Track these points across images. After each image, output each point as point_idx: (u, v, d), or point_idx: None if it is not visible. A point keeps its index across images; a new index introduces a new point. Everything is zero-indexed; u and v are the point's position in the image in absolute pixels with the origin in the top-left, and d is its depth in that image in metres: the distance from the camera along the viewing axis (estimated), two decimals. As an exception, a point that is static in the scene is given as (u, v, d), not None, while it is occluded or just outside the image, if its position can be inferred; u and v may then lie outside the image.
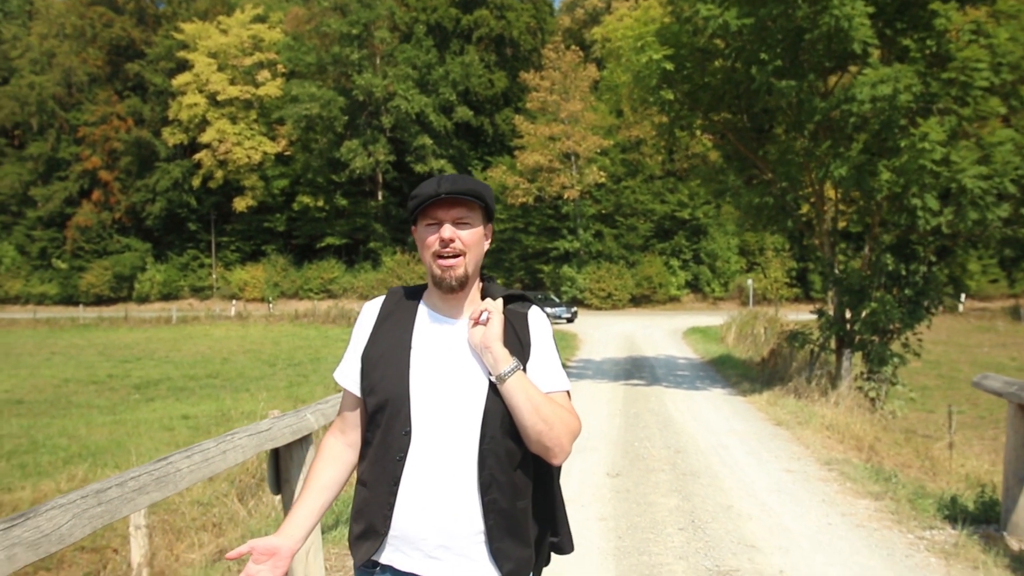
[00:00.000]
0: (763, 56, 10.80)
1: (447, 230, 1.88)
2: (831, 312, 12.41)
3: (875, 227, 11.92)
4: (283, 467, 4.24)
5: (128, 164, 56.46)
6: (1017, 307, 40.21)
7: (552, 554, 2.10)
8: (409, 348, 1.94)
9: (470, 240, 1.91)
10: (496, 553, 1.86)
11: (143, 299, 55.17)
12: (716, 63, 12.33)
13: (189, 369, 24.85)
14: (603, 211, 49.96)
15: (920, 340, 12.35)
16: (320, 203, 52.95)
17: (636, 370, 16.22)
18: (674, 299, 49.26)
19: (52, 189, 57.35)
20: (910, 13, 10.69)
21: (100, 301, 54.65)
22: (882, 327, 11.48)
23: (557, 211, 49.09)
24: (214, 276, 56.62)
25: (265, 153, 53.22)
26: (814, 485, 6.67)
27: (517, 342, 1.94)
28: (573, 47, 50.14)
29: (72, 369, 25.37)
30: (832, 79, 12.02)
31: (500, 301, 1.97)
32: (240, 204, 53.63)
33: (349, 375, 2.01)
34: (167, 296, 55.57)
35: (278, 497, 5.13)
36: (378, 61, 52.73)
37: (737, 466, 7.37)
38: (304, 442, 4.28)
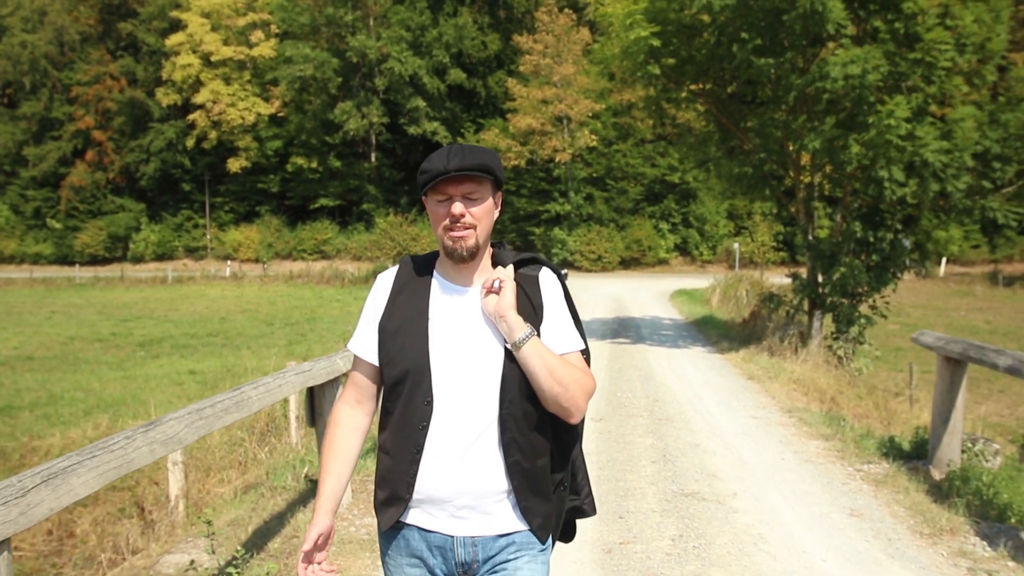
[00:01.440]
0: (744, 35, 11.52)
1: (457, 206, 1.91)
2: (804, 276, 13.25)
3: (846, 196, 12.72)
4: (317, 403, 5.05)
5: (122, 124, 56.53)
6: (996, 272, 41.17)
7: (575, 523, 2.21)
8: (427, 319, 1.98)
9: (480, 213, 1.94)
10: (525, 511, 1.96)
11: (138, 259, 55.60)
12: (701, 38, 12.99)
13: (189, 328, 25.46)
14: (594, 174, 50.49)
15: (887, 303, 13.20)
16: (314, 164, 53.22)
17: (623, 329, 17.07)
18: (663, 262, 50.01)
19: (45, 149, 57.43)
20: (879, -3, 11.40)
21: (95, 261, 55.08)
22: (851, 290, 12.33)
23: (549, 174, 49.60)
24: (208, 237, 57.02)
25: (259, 114, 53.37)
26: (774, 429, 7.54)
27: (530, 306, 1.99)
28: (566, 10, 50.29)
29: (75, 327, 25.92)
30: (811, 53, 12.68)
31: (511, 268, 2.02)
32: (234, 165, 53.86)
33: (365, 345, 2.05)
34: (161, 256, 56.00)
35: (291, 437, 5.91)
36: (372, 23, 52.77)
37: (708, 413, 8.24)
38: (335, 383, 5.08)
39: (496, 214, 2.01)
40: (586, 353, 2.08)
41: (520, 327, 1.90)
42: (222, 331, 24.60)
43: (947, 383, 6.09)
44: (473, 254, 1.96)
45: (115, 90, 56.50)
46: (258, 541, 4.62)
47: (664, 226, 50.38)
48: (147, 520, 7.30)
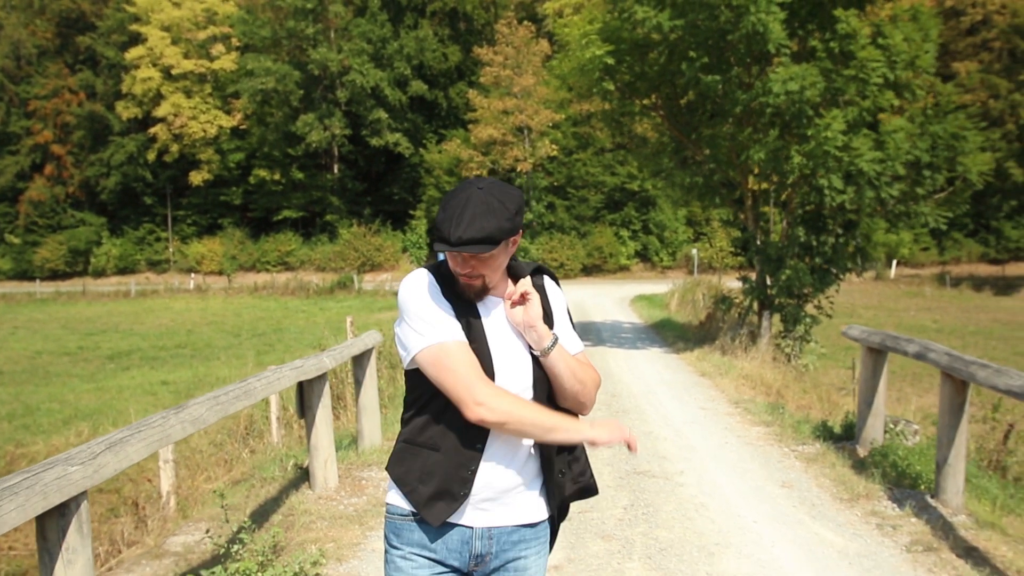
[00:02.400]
0: (692, 54, 12.29)
1: (465, 268, 1.97)
2: (754, 279, 14.04)
3: (791, 203, 13.54)
4: (307, 397, 5.61)
5: (81, 138, 56.24)
6: (943, 274, 42.65)
7: (568, 506, 2.29)
8: (484, 327, 2.03)
9: (489, 265, 1.98)
10: (548, 493, 2.12)
11: (99, 273, 55.22)
12: (653, 55, 13.74)
13: (156, 340, 25.60)
14: (555, 183, 51.30)
15: (831, 303, 14.02)
16: (276, 176, 53.36)
17: (584, 334, 17.75)
18: (624, 268, 50.92)
19: (3, 163, 56.84)
20: (819, 17, 12.24)
21: (55, 276, 54.57)
22: (796, 291, 13.13)
23: (510, 184, 50.24)
24: (171, 250, 56.85)
25: (221, 127, 53.43)
26: (721, 418, 8.24)
27: (545, 313, 2.08)
28: (526, 22, 51.12)
29: (40, 342, 25.93)
30: (755, 70, 13.48)
31: (528, 279, 2.09)
32: (196, 178, 53.83)
33: (453, 327, 2.00)
34: (123, 270, 55.66)
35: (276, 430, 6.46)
36: (333, 35, 53.17)
37: (661, 405, 8.92)
38: (322, 379, 5.65)
39: (513, 250, 2.04)
40: None
41: (548, 335, 2.03)
42: (190, 343, 24.81)
43: (870, 370, 6.82)
44: (481, 295, 2.03)
45: (74, 104, 56.22)
46: (259, 518, 5.17)
47: (625, 233, 51.29)
48: (140, 516, 7.76)
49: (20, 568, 7.87)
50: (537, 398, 2.03)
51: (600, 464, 6.32)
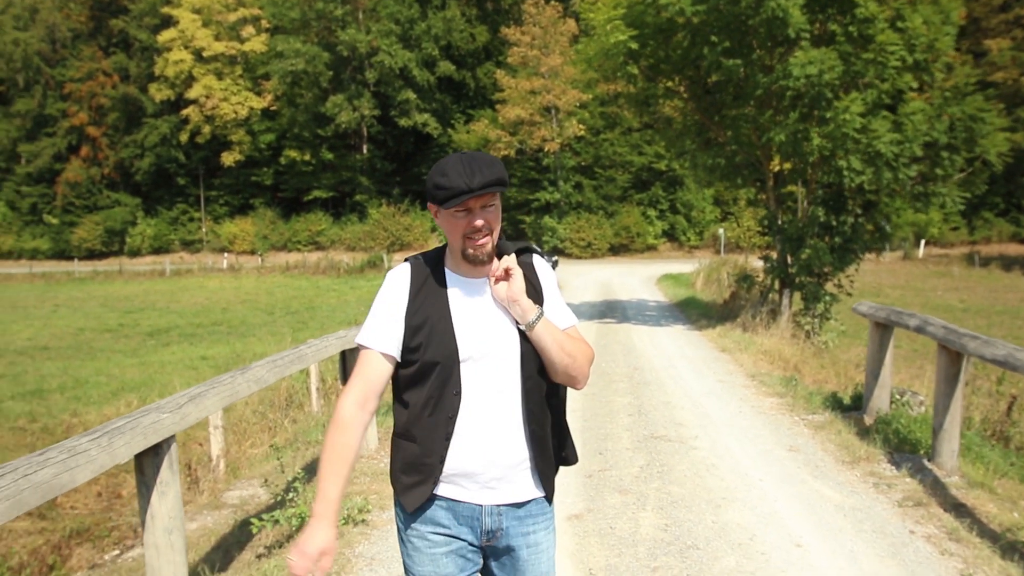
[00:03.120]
0: (714, 38, 12.59)
1: (479, 219, 2.04)
2: (775, 257, 14.37)
3: (812, 184, 13.83)
4: (349, 365, 6.13)
5: (115, 120, 57.26)
6: (972, 254, 42.40)
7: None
8: (450, 313, 2.09)
9: (495, 219, 2.08)
10: (541, 476, 2.15)
11: (135, 253, 56.41)
12: (676, 39, 14.04)
13: (193, 318, 26.27)
14: (583, 163, 51.48)
15: (852, 281, 14.32)
16: (306, 157, 54.05)
17: (610, 311, 18.18)
18: (651, 248, 51.06)
19: (40, 145, 58.14)
20: (838, 1, 12.47)
21: (92, 255, 55.81)
22: (816, 270, 13.46)
23: (538, 163, 50.59)
24: (204, 230, 57.86)
25: (251, 108, 54.18)
26: (737, 390, 8.67)
27: (532, 289, 2.14)
28: (552, 2, 51.17)
29: (82, 319, 26.68)
30: (777, 53, 13.73)
31: (514, 256, 2.15)
32: (228, 159, 54.68)
33: (384, 339, 2.10)
34: (158, 250, 56.82)
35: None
36: (361, 16, 53.57)
37: (681, 378, 9.36)
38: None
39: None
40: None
41: (532, 309, 2.08)
42: (225, 320, 25.41)
43: (877, 344, 7.20)
44: (491, 257, 2.11)
45: (108, 86, 57.18)
46: (308, 474, 5.70)
47: (652, 213, 51.40)
48: (193, 477, 8.35)
49: (84, 524, 8.47)
50: (526, 372, 2.09)
51: (620, 430, 6.79)
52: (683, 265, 37.21)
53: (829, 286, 13.95)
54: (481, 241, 2.06)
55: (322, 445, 2.12)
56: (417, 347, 2.07)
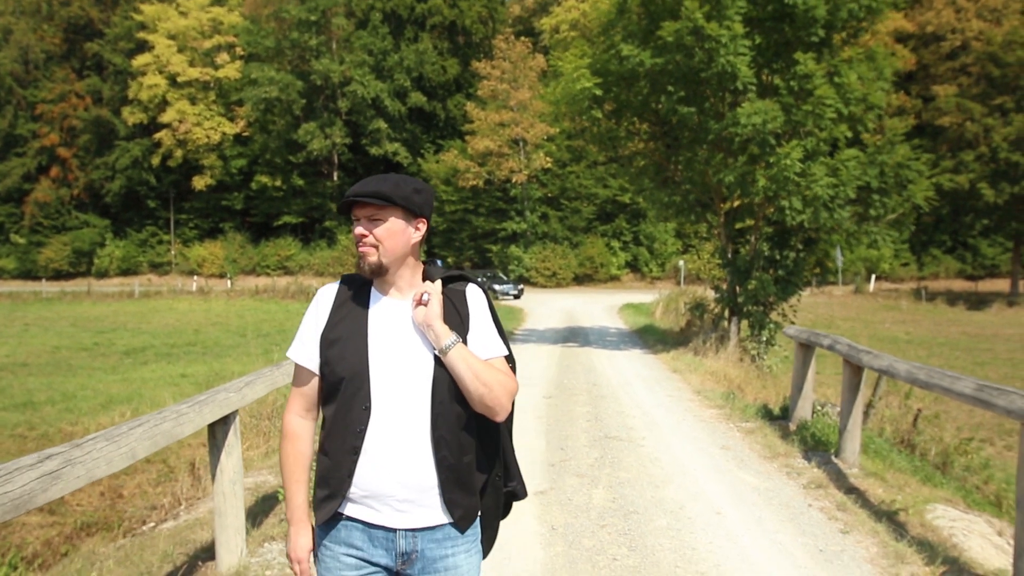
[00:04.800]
0: (670, 88, 13.90)
1: (359, 228, 2.12)
2: (724, 288, 15.63)
3: (758, 221, 15.14)
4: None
5: (87, 142, 57.78)
6: (920, 289, 44.33)
7: (512, 503, 2.40)
8: (366, 330, 2.13)
9: (382, 234, 2.10)
10: (448, 503, 2.12)
11: (102, 274, 56.65)
12: (637, 86, 15.33)
13: (166, 339, 26.64)
14: (549, 194, 52.93)
15: (795, 310, 15.60)
16: (277, 183, 54.95)
17: (572, 336, 19.32)
18: (615, 278, 52.44)
19: (10, 165, 58.40)
20: (782, 58, 13.86)
21: (59, 275, 56.03)
22: (761, 300, 14.71)
23: (506, 194, 51.90)
24: (173, 252, 58.32)
25: (224, 134, 55.07)
26: (683, 403, 9.81)
27: (457, 317, 2.16)
28: (523, 38, 52.80)
29: (55, 338, 26.89)
30: (728, 99, 15.06)
31: (439, 283, 2.18)
32: (199, 183, 55.38)
33: (307, 354, 2.19)
34: (126, 271, 57.11)
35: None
36: (335, 46, 54.84)
37: (635, 393, 10.48)
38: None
39: (414, 237, 2.17)
40: (511, 360, 2.27)
41: (446, 334, 2.08)
42: (198, 341, 25.86)
43: (801, 361, 8.38)
44: (376, 271, 2.14)
45: (80, 108, 57.76)
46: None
47: (616, 244, 52.86)
48: (196, 475, 9.24)
49: (92, 518, 9.29)
50: (437, 397, 2.10)
51: (579, 432, 7.88)
52: (644, 295, 38.48)
53: (774, 315, 15.21)
54: (363, 250, 2.13)
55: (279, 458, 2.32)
56: (330, 361, 2.13)
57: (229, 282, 50.84)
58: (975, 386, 4.66)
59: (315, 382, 2.20)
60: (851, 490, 6.05)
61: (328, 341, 2.14)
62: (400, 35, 56.37)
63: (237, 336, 27.36)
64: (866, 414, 9.18)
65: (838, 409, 8.64)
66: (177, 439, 3.68)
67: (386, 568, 2.16)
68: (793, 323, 15.63)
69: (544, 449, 7.25)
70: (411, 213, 2.15)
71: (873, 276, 47.93)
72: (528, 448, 7.17)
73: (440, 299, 2.14)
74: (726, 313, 15.90)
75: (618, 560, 4.54)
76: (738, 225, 16.40)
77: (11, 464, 2.59)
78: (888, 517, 5.35)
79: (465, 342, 2.14)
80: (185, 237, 58.45)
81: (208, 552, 4.65)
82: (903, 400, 9.34)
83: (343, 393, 2.10)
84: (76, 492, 10.14)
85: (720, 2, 13.01)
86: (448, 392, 2.10)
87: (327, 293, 2.24)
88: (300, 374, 2.23)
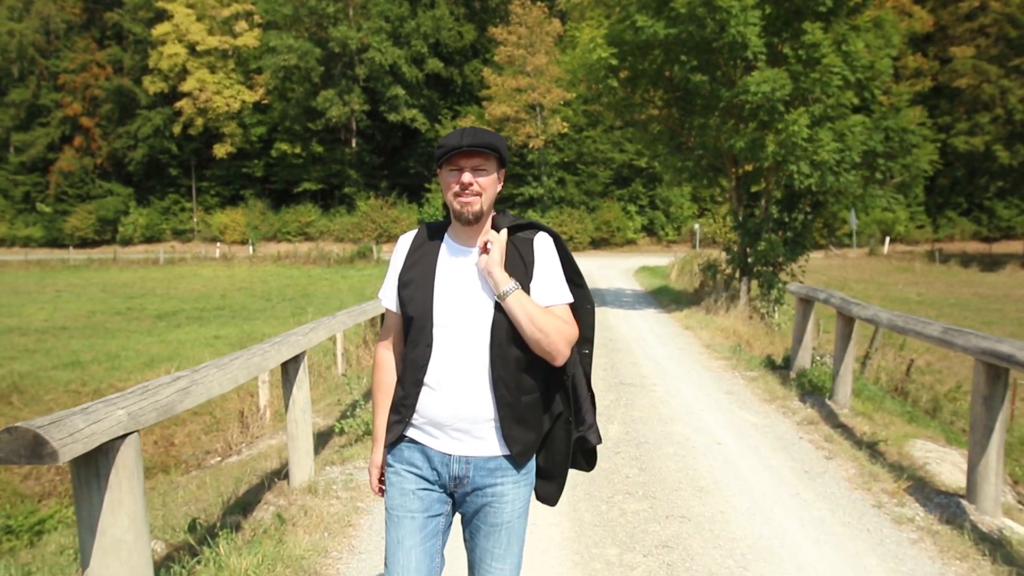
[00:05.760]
0: (683, 57, 14.45)
1: (466, 176, 2.24)
2: (736, 249, 16.28)
3: (768, 185, 15.74)
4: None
5: (109, 111, 58.50)
6: (934, 251, 44.61)
7: (594, 454, 2.55)
8: (434, 275, 2.32)
9: (485, 183, 2.28)
10: (507, 438, 2.30)
11: (126, 241, 57.68)
12: (651, 55, 15.87)
13: (195, 303, 27.42)
14: (566, 159, 53.31)
15: (803, 270, 16.24)
16: (297, 150, 55.51)
17: (589, 298, 20.00)
18: (631, 242, 52.92)
19: (34, 135, 59.31)
20: (790, 28, 14.37)
21: (84, 243, 57.08)
22: (770, 260, 15.36)
23: (523, 159, 52.31)
24: (195, 219, 59.21)
25: (244, 102, 55.58)
26: (692, 355, 10.55)
27: (521, 264, 2.29)
28: (539, 3, 52.84)
29: (88, 304, 27.69)
30: (740, 68, 15.60)
31: (504, 232, 2.32)
32: (219, 150, 56.04)
33: (389, 296, 2.44)
34: (150, 239, 58.09)
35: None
36: (352, 13, 55.09)
37: (648, 347, 11.23)
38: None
39: (499, 187, 2.36)
40: (591, 305, 2.45)
41: (505, 281, 2.21)
42: (226, 305, 26.60)
43: (801, 315, 9.08)
44: (478, 217, 2.29)
45: (102, 78, 58.41)
46: (365, 400, 7.47)
47: (632, 208, 53.23)
48: (244, 423, 10.07)
49: (152, 462, 10.12)
50: (495, 339, 2.25)
51: (596, 380, 8.63)
52: (660, 258, 39.03)
53: (783, 275, 15.85)
54: (468, 199, 2.27)
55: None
56: (403, 301, 2.36)
57: (252, 248, 51.72)
58: (941, 329, 5.36)
59: (398, 320, 2.44)
60: (839, 426, 6.77)
61: (402, 283, 2.36)
62: (417, 1, 56.47)
63: (263, 300, 27.99)
64: (863, 364, 9.91)
65: (836, 359, 9.35)
66: (265, 371, 4.46)
67: (441, 487, 2.37)
68: (801, 282, 16.31)
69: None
70: (501, 165, 2.37)
71: (888, 238, 48.20)
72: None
73: (503, 247, 2.28)
74: (737, 273, 16.55)
75: (630, 478, 5.31)
76: (753, 188, 16.98)
77: (155, 381, 3.35)
78: (869, 447, 6.08)
79: (528, 289, 2.27)
80: (207, 204, 59.29)
81: (276, 475, 5.44)
82: (898, 351, 10.02)
83: (413, 331, 2.32)
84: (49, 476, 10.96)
85: (731, -26, 13.53)
86: (507, 335, 2.25)
87: (405, 240, 2.45)
88: (388, 314, 2.50)
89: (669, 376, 9.00)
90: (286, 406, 5.03)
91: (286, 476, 5.21)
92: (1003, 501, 5.05)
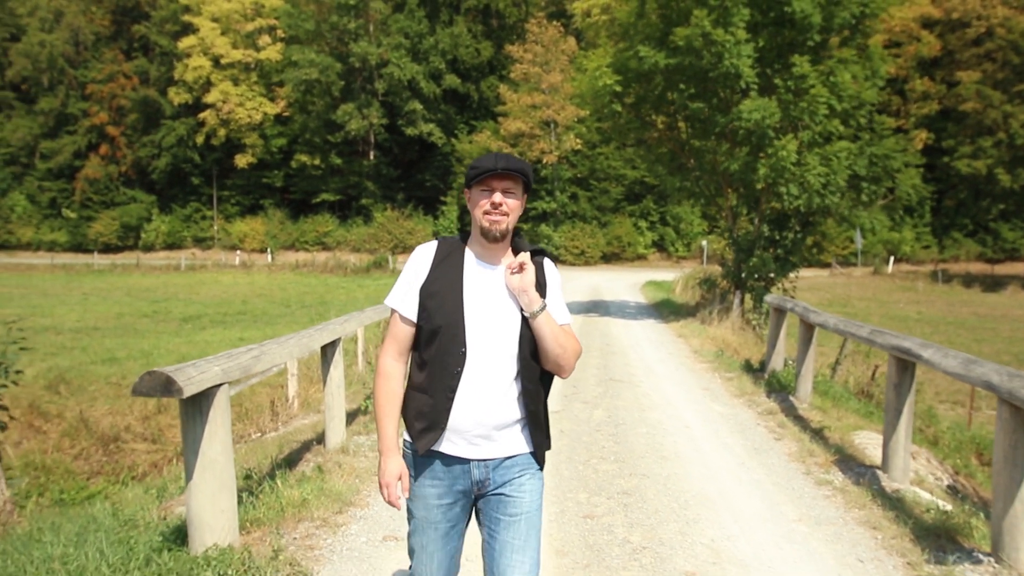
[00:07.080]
0: (682, 86, 15.60)
1: (497, 196, 2.41)
2: (730, 265, 17.36)
3: (761, 205, 16.82)
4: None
5: (134, 121, 60.19)
6: (937, 271, 45.42)
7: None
8: (462, 287, 2.46)
9: (513, 205, 2.44)
10: (528, 440, 2.55)
11: (149, 248, 59.17)
12: (653, 82, 17.01)
13: (217, 308, 28.41)
14: (579, 175, 54.42)
15: (794, 286, 17.28)
16: (316, 161, 56.85)
17: (594, 308, 21.13)
18: (641, 257, 53.91)
19: (61, 143, 61.04)
20: (781, 60, 15.49)
21: (108, 249, 58.60)
22: (762, 275, 16.42)
23: (536, 174, 53.31)
24: (215, 228, 60.69)
25: (265, 114, 57.12)
26: (681, 359, 11.63)
27: (539, 285, 2.48)
28: (555, 22, 54.12)
29: (115, 306, 28.72)
30: (736, 97, 16.71)
31: (529, 254, 2.48)
32: (241, 161, 57.54)
33: (407, 304, 2.51)
34: (171, 246, 59.56)
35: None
36: (372, 29, 56.56)
37: (641, 351, 12.32)
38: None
39: (522, 211, 2.50)
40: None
41: (538, 300, 2.41)
42: (247, 311, 27.59)
43: (775, 323, 10.15)
44: (504, 235, 2.45)
45: (128, 88, 60.12)
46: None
47: (643, 224, 54.25)
48: (274, 411, 11.15)
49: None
50: (522, 352, 2.43)
51: (588, 376, 9.74)
52: (668, 274, 39.96)
53: (774, 289, 16.89)
54: (496, 218, 2.42)
55: (373, 393, 2.66)
56: (429, 309, 2.44)
57: (270, 256, 53.02)
58: (869, 331, 6.44)
59: (410, 330, 2.51)
60: (796, 417, 7.84)
61: (428, 293, 2.46)
62: (435, 18, 57.94)
63: (282, 307, 28.95)
64: (833, 370, 10.97)
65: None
66: (311, 351, 5.60)
67: (464, 493, 2.52)
68: (792, 297, 17.35)
69: (558, 385, 9.12)
70: (527, 189, 2.52)
71: (892, 258, 49.04)
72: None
73: (534, 269, 2.45)
74: (731, 287, 17.61)
75: (606, 448, 6.41)
76: (744, 211, 18.07)
77: (235, 350, 4.48)
78: (815, 432, 7.14)
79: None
80: (227, 213, 60.75)
81: (313, 441, 6.55)
82: (864, 359, 11.07)
83: (441, 338, 2.42)
84: (168, 427, 12.16)
85: (727, 11, 14.66)
86: (529, 349, 2.44)
87: (426, 251, 2.56)
88: (396, 322, 2.54)
89: (655, 375, 10.09)
90: (324, 382, 6.15)
91: (321, 441, 6.33)
92: (921, 476, 6.12)
